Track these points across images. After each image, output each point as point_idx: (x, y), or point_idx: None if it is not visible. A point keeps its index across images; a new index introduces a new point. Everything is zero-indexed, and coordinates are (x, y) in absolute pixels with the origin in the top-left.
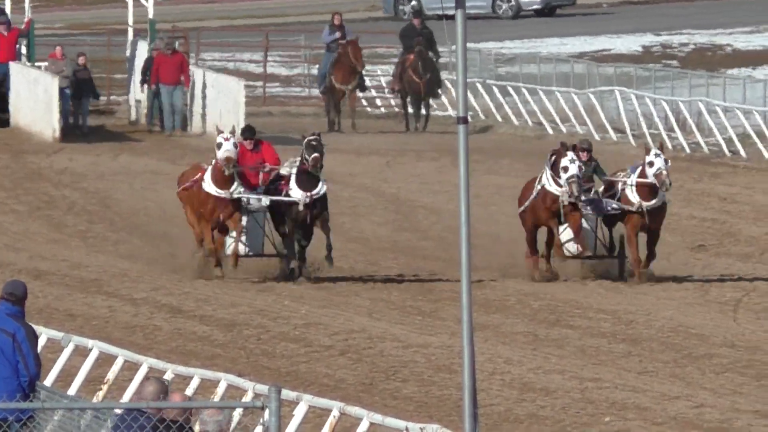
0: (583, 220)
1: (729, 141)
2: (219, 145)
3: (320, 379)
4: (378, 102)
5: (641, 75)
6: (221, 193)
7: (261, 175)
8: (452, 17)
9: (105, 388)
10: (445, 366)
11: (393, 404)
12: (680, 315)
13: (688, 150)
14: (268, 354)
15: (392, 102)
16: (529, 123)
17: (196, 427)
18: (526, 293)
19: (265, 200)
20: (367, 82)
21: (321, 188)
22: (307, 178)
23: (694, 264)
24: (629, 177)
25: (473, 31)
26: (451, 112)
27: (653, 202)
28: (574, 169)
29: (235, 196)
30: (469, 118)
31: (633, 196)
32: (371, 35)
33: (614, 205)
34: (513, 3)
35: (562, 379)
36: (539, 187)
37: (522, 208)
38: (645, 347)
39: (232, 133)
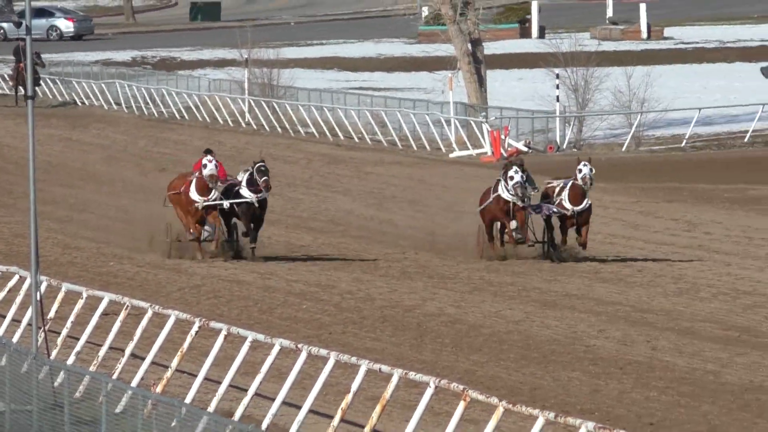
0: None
1: (179, 110)
2: (205, 166)
3: None
4: None
5: (130, 73)
6: (203, 199)
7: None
8: (24, 39)
9: None
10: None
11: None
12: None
13: (156, 115)
14: None
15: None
16: (70, 98)
17: None
18: None
19: (226, 203)
20: None
21: (264, 193)
22: (256, 187)
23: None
24: (563, 184)
25: (38, 46)
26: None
27: (581, 206)
28: (518, 178)
29: (211, 203)
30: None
31: (567, 204)
32: None
33: (554, 210)
34: (58, 31)
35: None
36: (495, 195)
37: (481, 207)
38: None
39: (210, 152)
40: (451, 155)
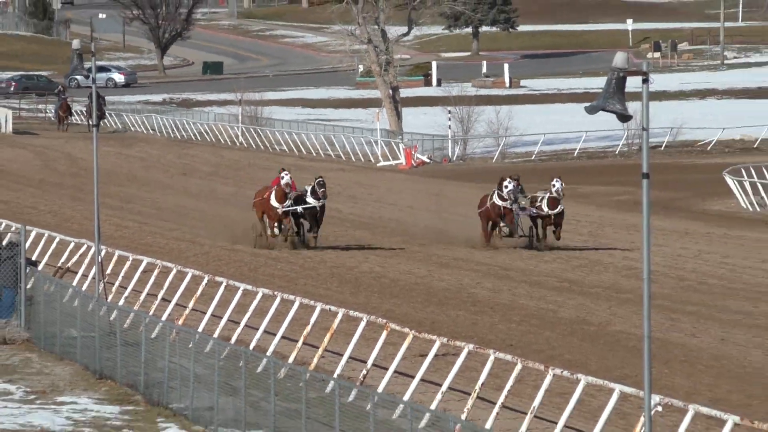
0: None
1: (194, 134)
2: (282, 177)
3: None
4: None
5: (162, 109)
6: (281, 205)
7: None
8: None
9: None
10: None
11: None
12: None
13: (179, 137)
14: None
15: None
16: (122, 126)
17: None
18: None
19: (299, 208)
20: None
21: (324, 200)
22: (317, 196)
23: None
24: (543, 196)
25: (101, 91)
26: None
27: (556, 210)
28: (511, 186)
29: (287, 209)
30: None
31: (545, 207)
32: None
33: (534, 211)
34: (113, 82)
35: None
36: (491, 201)
37: (480, 210)
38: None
39: (286, 170)
40: (378, 165)
